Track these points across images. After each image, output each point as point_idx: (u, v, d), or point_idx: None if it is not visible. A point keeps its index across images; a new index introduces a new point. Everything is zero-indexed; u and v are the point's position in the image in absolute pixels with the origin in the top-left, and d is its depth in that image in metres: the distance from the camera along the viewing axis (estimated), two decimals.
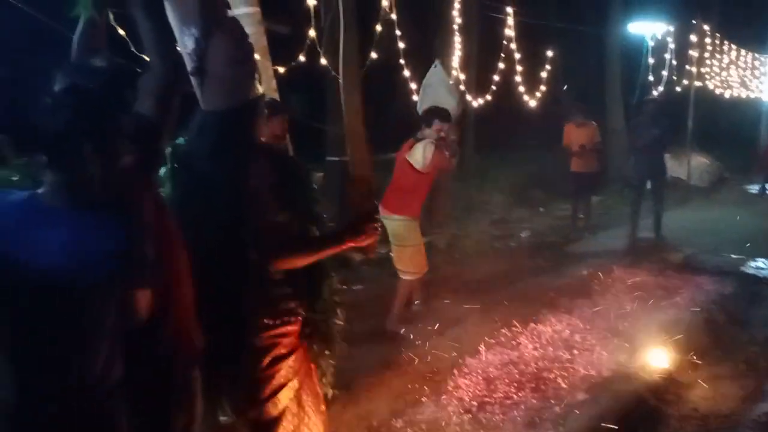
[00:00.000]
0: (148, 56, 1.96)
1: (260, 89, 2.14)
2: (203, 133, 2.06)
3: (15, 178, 2.18)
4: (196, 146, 2.08)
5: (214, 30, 2.01)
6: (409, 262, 5.16)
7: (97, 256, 1.48)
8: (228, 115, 2.03)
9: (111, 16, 2.40)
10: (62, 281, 1.45)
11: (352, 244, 2.16)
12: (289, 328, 2.16)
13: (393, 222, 5.04)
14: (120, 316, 1.55)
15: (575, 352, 4.81)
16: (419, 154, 4.95)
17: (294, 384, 2.20)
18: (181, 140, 2.14)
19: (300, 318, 2.17)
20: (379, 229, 2.19)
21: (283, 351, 2.15)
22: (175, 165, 2.11)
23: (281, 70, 5.67)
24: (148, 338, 1.70)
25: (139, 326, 1.63)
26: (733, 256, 7.63)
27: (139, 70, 1.88)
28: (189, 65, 2.02)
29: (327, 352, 2.37)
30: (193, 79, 2.03)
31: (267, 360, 2.12)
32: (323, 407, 2.36)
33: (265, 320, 2.09)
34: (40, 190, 1.55)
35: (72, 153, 1.49)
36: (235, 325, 2.05)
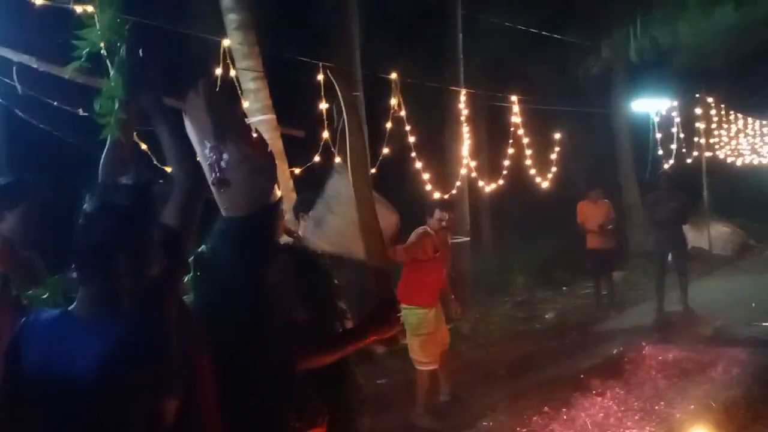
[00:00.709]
0: (171, 169, 2.07)
1: (279, 193, 2.23)
2: (225, 240, 2.13)
3: (45, 296, 2.27)
4: (218, 253, 2.15)
5: (232, 141, 2.12)
6: (420, 352, 5.11)
7: (128, 366, 1.52)
8: (248, 220, 2.10)
9: (135, 133, 2.55)
10: (93, 392, 1.49)
11: (375, 337, 2.18)
12: (316, 430, 2.14)
13: (403, 311, 5.02)
14: (146, 425, 1.57)
15: None
16: (409, 241, 5.09)
17: None
18: (203, 248, 2.22)
19: (326, 418, 2.16)
20: (401, 318, 2.21)
21: None
22: (198, 273, 2.17)
23: (297, 171, 5.87)
24: None
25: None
26: (765, 324, 7.44)
27: (163, 181, 1.98)
28: (209, 176, 2.12)
29: None
30: (213, 189, 2.12)
31: None
32: None
33: (292, 422, 2.08)
34: (71, 307, 1.62)
35: (106, 267, 1.57)
36: (261, 428, 2.04)
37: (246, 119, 2.30)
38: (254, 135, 2.27)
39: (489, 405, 5.29)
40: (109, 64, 2.13)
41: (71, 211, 1.68)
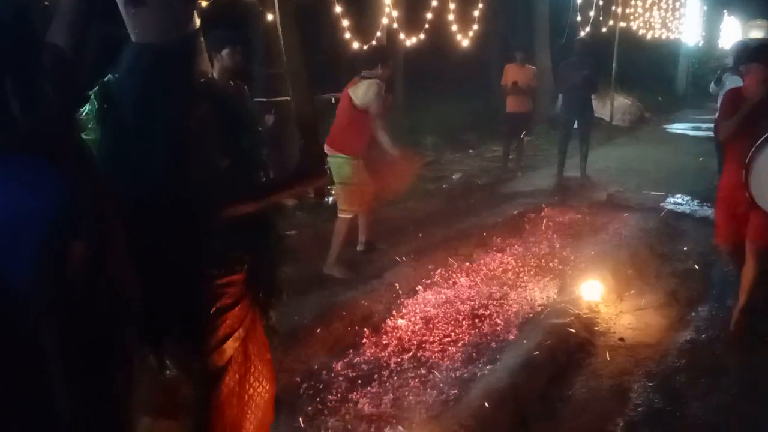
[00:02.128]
0: None
1: (198, 21, 1.96)
2: (136, 71, 1.87)
3: None
4: (127, 84, 1.89)
5: None
6: (347, 200, 5.15)
7: (25, 211, 1.33)
8: (164, 49, 1.84)
9: None
10: None
11: (301, 189, 2.08)
12: (234, 277, 2.07)
13: (337, 160, 5.07)
14: (53, 267, 1.42)
15: (508, 289, 4.96)
16: (362, 91, 4.98)
17: (240, 333, 2.14)
18: (110, 77, 1.95)
19: (245, 267, 2.09)
20: (328, 171, 2.11)
21: (228, 301, 2.07)
22: (104, 105, 1.93)
23: (203, 3, 5.37)
24: (81, 299, 1.57)
25: (74, 282, 1.50)
26: (654, 193, 7.97)
27: None
28: None
29: (272, 300, 2.31)
30: (122, 7, 1.83)
31: (212, 311, 2.05)
32: (269, 355, 2.31)
33: (210, 270, 2.00)
34: None
35: None
36: (177, 277, 1.94)
37: None
38: None
39: (396, 258, 5.45)
40: None
41: None
